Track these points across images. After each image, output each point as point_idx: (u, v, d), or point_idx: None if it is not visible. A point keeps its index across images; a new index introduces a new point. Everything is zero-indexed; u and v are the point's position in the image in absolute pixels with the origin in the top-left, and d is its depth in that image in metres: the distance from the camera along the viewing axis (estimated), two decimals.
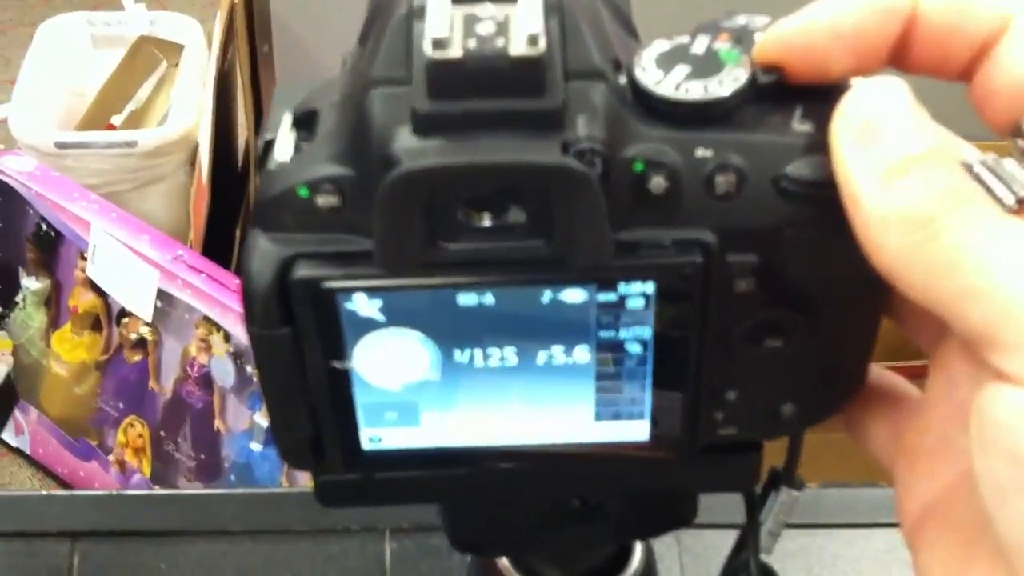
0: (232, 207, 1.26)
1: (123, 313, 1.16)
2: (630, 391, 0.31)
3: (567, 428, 0.32)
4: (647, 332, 0.30)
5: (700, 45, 0.28)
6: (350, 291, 0.28)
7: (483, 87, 0.26)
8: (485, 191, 0.27)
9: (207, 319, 1.11)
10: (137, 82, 1.32)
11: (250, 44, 1.14)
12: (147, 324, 1.14)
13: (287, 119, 0.29)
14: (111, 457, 1.27)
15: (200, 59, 1.29)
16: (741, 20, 0.29)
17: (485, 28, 0.26)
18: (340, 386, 0.30)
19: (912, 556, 0.28)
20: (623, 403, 0.32)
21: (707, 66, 0.28)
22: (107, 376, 1.21)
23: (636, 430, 0.31)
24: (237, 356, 1.11)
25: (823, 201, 0.27)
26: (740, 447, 0.32)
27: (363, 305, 0.29)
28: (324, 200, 0.27)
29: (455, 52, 0.25)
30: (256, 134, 1.21)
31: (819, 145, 0.27)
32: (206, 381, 1.15)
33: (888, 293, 0.29)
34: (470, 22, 0.26)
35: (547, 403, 0.32)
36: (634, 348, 0.30)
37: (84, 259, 1.16)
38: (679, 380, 0.30)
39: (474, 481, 0.33)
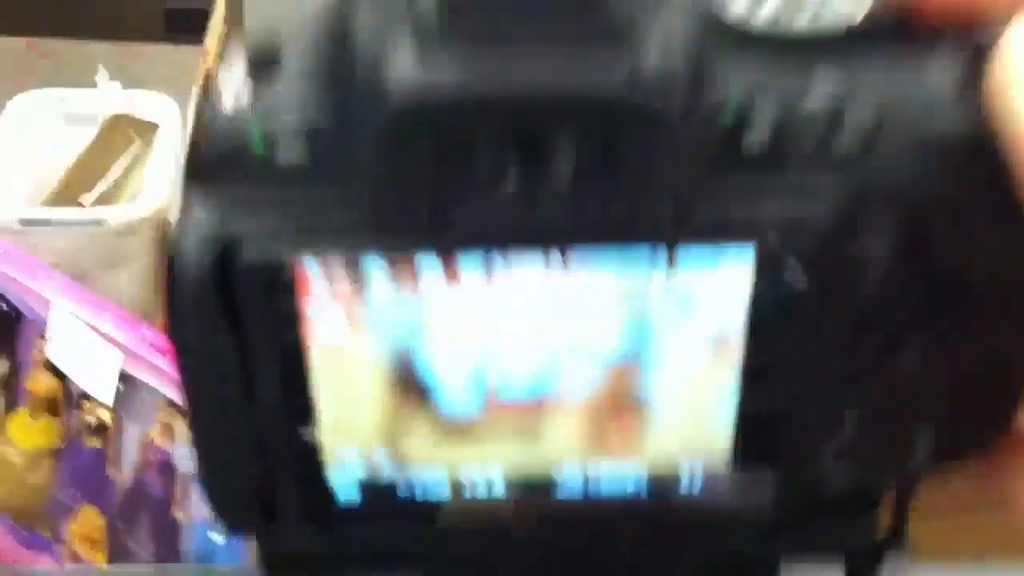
0: None
1: (83, 396, 1.06)
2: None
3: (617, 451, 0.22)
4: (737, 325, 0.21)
5: None
6: (325, 279, 0.19)
7: None
8: (519, 132, 0.18)
9: (170, 403, 1.02)
10: (109, 161, 1.24)
11: None
12: (107, 408, 1.04)
13: (238, 56, 0.20)
14: (63, 549, 1.15)
15: (175, 138, 1.21)
16: None
17: None
18: (304, 414, 0.20)
19: None
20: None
21: None
22: (63, 463, 1.10)
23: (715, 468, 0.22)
24: None
25: (980, 159, 0.18)
26: (852, 500, 0.23)
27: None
28: (287, 156, 0.18)
29: None
30: None
31: (973, 89, 0.18)
32: (167, 468, 1.05)
33: None
34: None
35: None
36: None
37: (44, 340, 1.06)
38: (778, 403, 0.21)
39: (479, 549, 0.23)
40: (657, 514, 0.23)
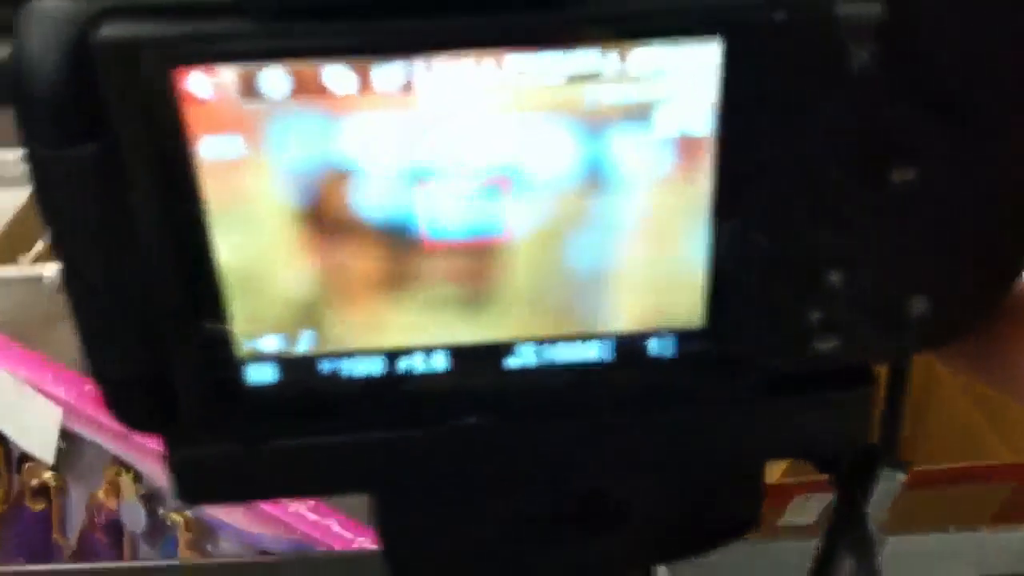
0: None
1: (24, 458, 1.01)
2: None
3: (577, 314, 0.18)
4: (706, 138, 0.17)
5: None
6: (204, 64, 0.15)
7: None
8: None
9: (116, 460, 0.96)
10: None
11: None
12: (50, 469, 0.99)
13: None
14: None
15: None
16: None
17: None
18: (197, 265, 0.16)
19: None
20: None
21: None
22: (6, 529, 1.04)
23: (687, 324, 0.18)
24: (149, 498, 0.96)
25: None
26: (843, 374, 0.19)
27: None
28: None
29: None
30: None
31: None
32: (115, 529, 0.99)
33: None
34: None
35: None
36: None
37: None
38: (757, 241, 0.17)
39: (419, 446, 0.19)
40: (623, 388, 0.19)
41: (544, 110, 0.17)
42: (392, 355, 0.19)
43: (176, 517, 0.94)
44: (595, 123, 0.17)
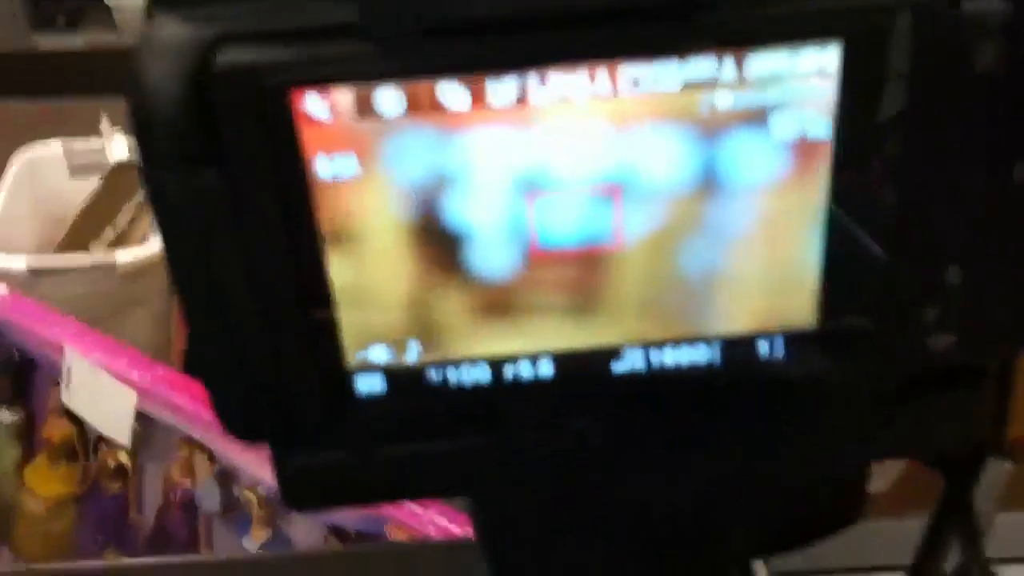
0: None
1: (101, 441, 1.02)
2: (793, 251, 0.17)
3: (686, 317, 0.18)
4: (824, 142, 0.16)
5: None
6: (321, 86, 0.15)
7: None
8: None
9: (189, 440, 0.97)
10: (116, 208, 1.21)
11: None
12: (126, 450, 1.00)
13: None
14: None
15: None
16: None
17: None
18: (310, 280, 0.16)
19: None
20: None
21: None
22: (85, 510, 1.06)
23: (797, 325, 0.18)
24: (223, 477, 0.97)
25: None
26: (959, 373, 0.19)
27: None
28: None
29: None
30: None
31: None
32: (190, 507, 1.00)
33: None
34: None
35: None
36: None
37: (58, 387, 1.02)
38: (872, 238, 0.17)
39: (527, 454, 0.19)
40: (733, 390, 0.19)
41: (658, 117, 0.17)
42: (498, 363, 0.19)
43: (249, 495, 0.96)
44: (710, 129, 0.17)
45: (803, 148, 0.17)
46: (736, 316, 0.19)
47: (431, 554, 0.43)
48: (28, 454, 1.09)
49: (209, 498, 1.00)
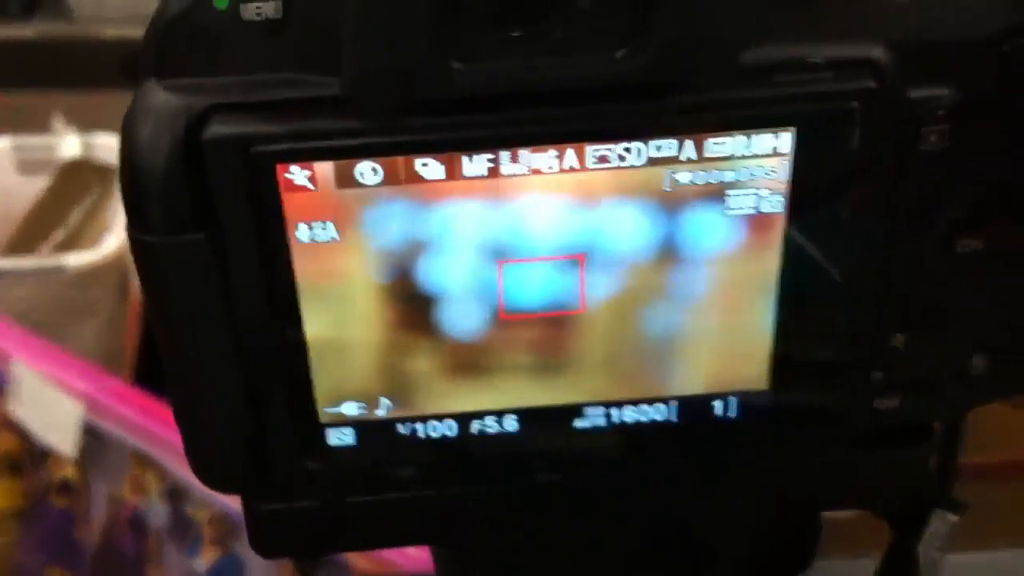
0: None
1: (47, 454, 1.03)
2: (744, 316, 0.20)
3: (645, 378, 0.20)
4: (777, 215, 0.19)
5: None
6: (304, 159, 0.17)
7: None
8: None
9: (139, 456, 0.98)
10: (67, 208, 1.22)
11: None
12: (73, 465, 1.01)
13: None
14: None
15: None
16: None
17: None
18: (287, 338, 0.18)
19: None
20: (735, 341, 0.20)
21: None
22: (29, 526, 1.06)
23: (750, 386, 0.20)
24: (173, 495, 0.98)
25: None
26: (904, 431, 0.21)
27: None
28: (255, 12, 0.16)
29: None
30: None
31: None
32: (138, 526, 1.01)
33: None
34: None
35: None
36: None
37: (2, 396, 1.03)
38: (824, 310, 0.19)
39: (492, 504, 0.21)
40: (689, 447, 0.21)
41: (622, 191, 0.19)
42: (466, 418, 0.21)
43: (200, 514, 0.97)
44: (671, 203, 0.19)
45: (757, 222, 0.19)
46: (693, 377, 0.21)
47: None
48: None
49: (158, 516, 1.01)
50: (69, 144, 1.24)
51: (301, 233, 0.19)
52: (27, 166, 1.23)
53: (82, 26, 1.57)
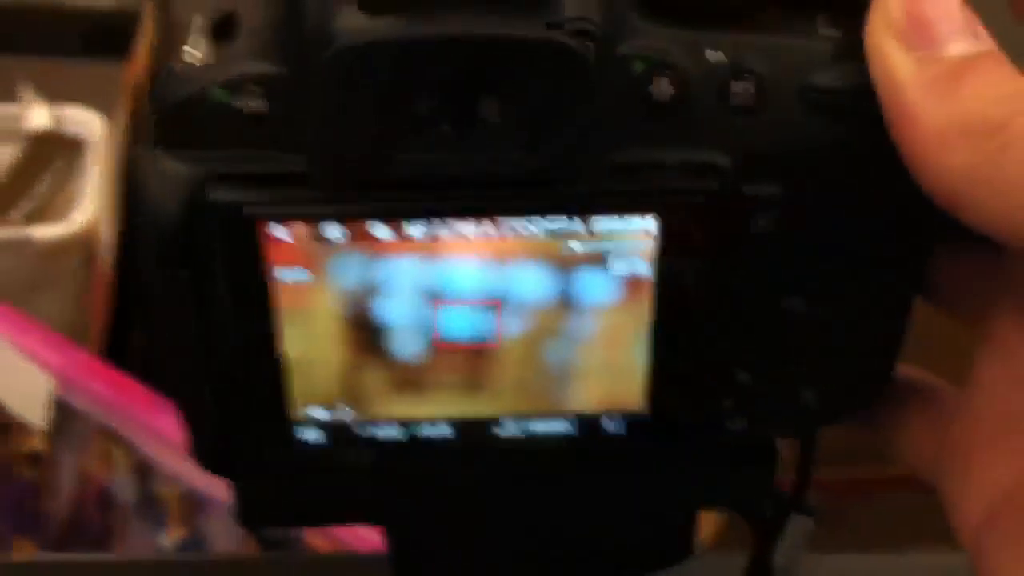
0: (136, 309, 1.21)
1: (13, 424, 1.10)
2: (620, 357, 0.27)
3: (549, 397, 0.28)
4: (647, 278, 0.26)
5: None
6: (278, 219, 0.24)
7: None
8: (453, 76, 0.23)
9: (107, 431, 1.05)
10: (34, 179, 1.28)
11: None
12: (41, 435, 1.08)
13: (196, 24, 0.25)
14: None
15: (102, 155, 1.25)
16: None
17: None
18: (269, 356, 0.26)
19: (978, 563, 0.25)
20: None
21: None
22: None
23: (631, 407, 0.27)
24: (140, 472, 1.05)
25: (861, 116, 0.24)
26: (751, 447, 0.29)
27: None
28: (247, 105, 0.24)
29: None
30: None
31: (852, 49, 0.24)
32: (105, 500, 1.08)
33: (928, 251, 0.25)
34: None
35: None
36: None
37: None
38: (685, 350, 0.27)
39: (430, 493, 0.28)
40: (585, 455, 0.29)
41: (529, 255, 0.26)
42: (408, 423, 0.28)
43: (167, 491, 1.04)
44: (566, 264, 0.26)
45: (633, 282, 0.27)
46: (587, 399, 0.28)
47: (348, 564, 0.52)
48: None
49: (125, 492, 1.08)
50: (38, 115, 1.30)
51: (279, 274, 0.26)
52: None
53: None
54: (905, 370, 0.29)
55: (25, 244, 1.20)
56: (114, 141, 1.17)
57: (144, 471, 1.05)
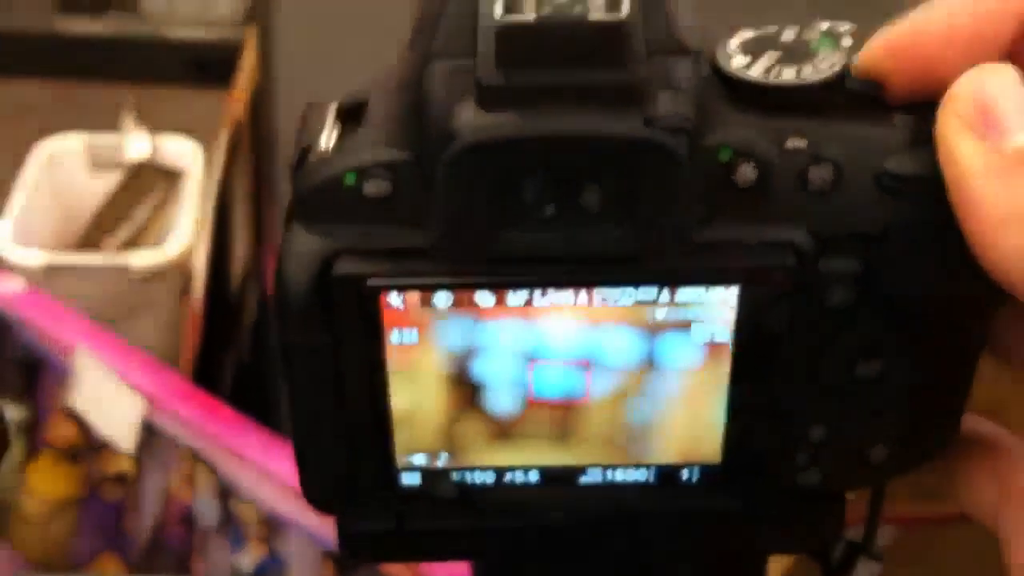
0: (225, 334, 1.25)
1: (104, 445, 1.14)
2: (704, 417, 0.30)
3: (631, 449, 0.30)
4: (727, 344, 0.28)
5: (789, 34, 0.27)
6: (400, 289, 0.27)
7: (557, 55, 0.25)
8: (558, 168, 0.26)
9: (192, 453, 1.09)
10: (133, 206, 1.34)
11: (255, 166, 1.15)
12: (128, 457, 1.12)
13: (331, 113, 0.28)
14: None
15: (199, 184, 1.30)
16: (824, 24, 0.28)
17: None
18: (379, 409, 0.29)
19: None
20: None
21: (798, 53, 0.27)
22: (84, 513, 1.18)
23: (708, 459, 0.30)
24: (222, 493, 1.09)
25: (931, 199, 0.26)
26: (822, 498, 0.31)
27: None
28: (374, 188, 0.27)
29: (528, 16, 0.25)
30: (257, 257, 1.21)
31: (924, 137, 0.26)
32: (188, 520, 1.12)
33: (991, 318, 0.28)
34: None
35: None
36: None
37: (65, 387, 1.14)
38: (761, 408, 0.29)
39: (517, 533, 0.31)
40: (663, 502, 0.31)
41: (618, 320, 0.29)
42: (501, 471, 0.31)
43: (247, 511, 1.08)
44: (652, 330, 0.29)
45: (713, 347, 0.29)
46: (666, 451, 0.31)
47: None
48: (31, 453, 1.21)
49: (207, 512, 1.12)
50: (138, 144, 1.36)
51: (393, 336, 0.29)
52: (97, 164, 1.34)
53: (152, 25, 1.69)
54: (970, 420, 0.31)
55: (122, 270, 1.26)
56: (212, 171, 1.22)
57: (226, 492, 1.08)
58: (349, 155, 0.27)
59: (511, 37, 0.25)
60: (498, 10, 0.25)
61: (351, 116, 0.27)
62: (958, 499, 0.31)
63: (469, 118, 0.25)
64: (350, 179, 0.27)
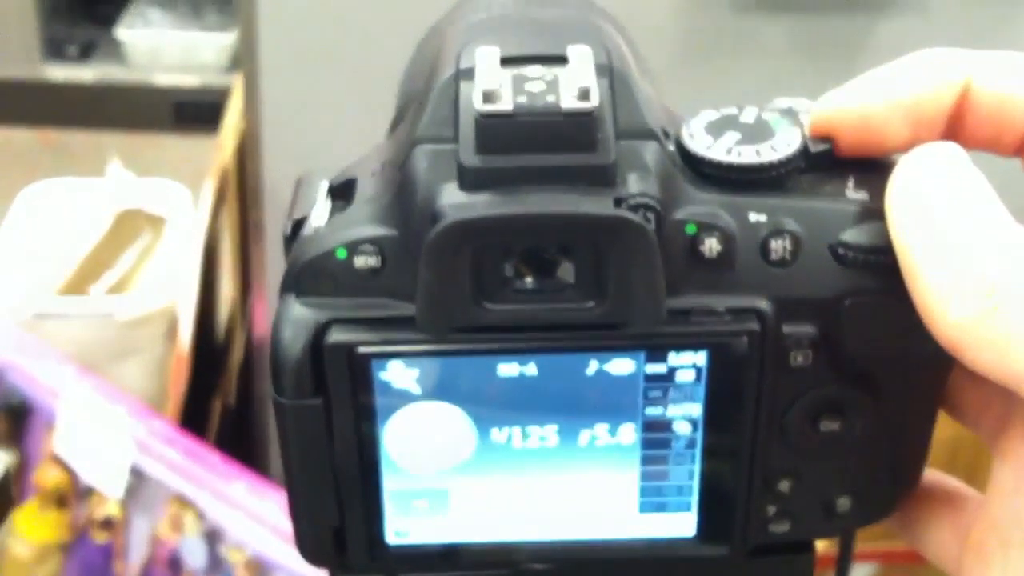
0: (212, 379, 1.26)
1: (91, 490, 1.14)
2: (677, 477, 0.31)
3: (608, 521, 0.32)
4: (697, 410, 0.30)
5: (749, 115, 0.29)
6: (387, 357, 0.29)
7: (533, 141, 0.27)
8: (535, 245, 0.27)
9: (179, 497, 1.10)
10: (119, 252, 1.34)
11: (241, 210, 1.17)
12: (116, 501, 1.12)
13: (322, 189, 0.30)
14: None
15: (186, 229, 1.32)
16: (784, 102, 0.30)
17: (535, 86, 0.27)
18: (368, 468, 0.30)
19: None
20: (669, 492, 0.32)
21: (758, 133, 0.29)
22: (71, 558, 1.19)
23: (682, 525, 0.31)
24: (210, 536, 1.09)
25: (882, 269, 0.28)
26: (791, 548, 0.32)
27: (399, 374, 0.29)
28: (363, 262, 0.28)
29: (505, 105, 0.26)
30: (243, 302, 1.22)
31: (875, 212, 0.28)
32: (175, 564, 1.12)
33: (946, 376, 0.29)
34: (519, 81, 0.27)
35: (588, 491, 0.32)
36: (682, 428, 0.30)
37: (52, 432, 1.15)
38: (731, 466, 0.30)
39: None
40: (641, 549, 0.33)
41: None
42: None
43: (235, 555, 1.08)
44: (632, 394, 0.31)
45: (688, 414, 0.31)
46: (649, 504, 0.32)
47: None
48: (19, 498, 1.21)
49: (194, 555, 1.12)
50: (124, 189, 1.37)
51: (382, 400, 0.30)
52: (83, 208, 1.35)
53: (138, 71, 1.71)
54: (931, 475, 0.33)
55: (109, 315, 1.26)
56: (198, 216, 1.23)
57: (213, 536, 1.09)
58: (340, 231, 0.28)
59: (490, 125, 0.26)
60: (477, 99, 0.26)
61: (341, 193, 0.29)
62: (922, 548, 0.32)
63: (452, 198, 0.27)
64: (341, 253, 0.28)
